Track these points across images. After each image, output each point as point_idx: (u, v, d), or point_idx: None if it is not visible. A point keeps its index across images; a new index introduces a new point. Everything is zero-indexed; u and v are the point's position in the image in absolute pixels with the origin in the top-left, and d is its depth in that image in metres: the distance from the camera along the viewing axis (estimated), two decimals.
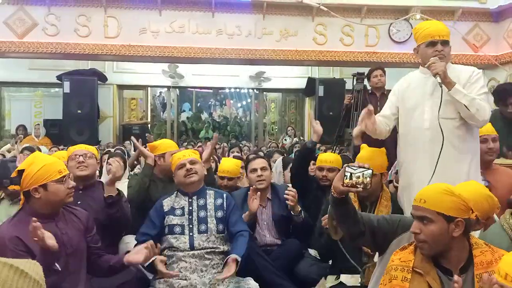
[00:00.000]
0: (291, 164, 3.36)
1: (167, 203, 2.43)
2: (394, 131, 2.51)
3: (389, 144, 2.78)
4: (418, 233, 1.50)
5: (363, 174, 1.64)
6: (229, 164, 3.19)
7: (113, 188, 2.39)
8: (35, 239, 1.70)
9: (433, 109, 2.22)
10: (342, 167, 1.72)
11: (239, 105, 13.46)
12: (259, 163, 2.90)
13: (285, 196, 2.69)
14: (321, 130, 2.97)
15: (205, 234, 2.33)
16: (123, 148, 5.20)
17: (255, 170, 2.88)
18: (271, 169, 3.08)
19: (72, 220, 2.02)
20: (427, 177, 2.12)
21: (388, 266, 1.57)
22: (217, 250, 2.33)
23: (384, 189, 2.43)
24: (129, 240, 2.69)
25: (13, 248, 1.77)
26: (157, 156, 2.99)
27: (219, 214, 2.40)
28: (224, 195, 2.49)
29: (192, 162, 2.43)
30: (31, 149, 4.43)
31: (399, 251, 1.59)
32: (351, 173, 1.65)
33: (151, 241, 2.08)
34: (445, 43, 2.26)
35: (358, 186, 1.64)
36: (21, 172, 1.90)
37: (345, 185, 1.64)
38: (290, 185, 3.01)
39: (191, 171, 2.39)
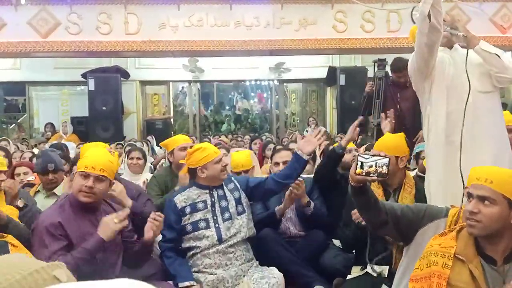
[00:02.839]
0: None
1: (180, 200, 2.39)
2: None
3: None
4: (476, 213, 1.45)
5: (376, 163, 1.57)
6: (240, 157, 3.18)
7: (127, 202, 2.41)
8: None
9: (472, 82, 2.05)
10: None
11: (267, 97, 13.42)
12: (282, 156, 2.87)
13: (291, 185, 2.64)
14: (355, 137, 2.89)
15: (230, 221, 2.36)
16: (135, 142, 5.28)
17: (277, 163, 2.86)
18: None
19: (111, 213, 2.09)
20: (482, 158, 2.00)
21: (426, 251, 1.53)
22: (240, 236, 2.35)
23: (407, 176, 2.37)
24: None
25: (53, 231, 1.88)
26: (168, 153, 3.04)
27: (236, 195, 2.44)
28: (232, 178, 2.55)
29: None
30: (58, 146, 4.56)
31: (438, 236, 1.55)
32: (362, 162, 1.58)
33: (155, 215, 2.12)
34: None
35: (372, 175, 1.58)
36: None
37: (357, 174, 1.59)
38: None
39: (225, 168, 2.44)
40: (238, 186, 2.47)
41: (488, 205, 1.44)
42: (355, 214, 2.19)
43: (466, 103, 1.99)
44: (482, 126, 2.10)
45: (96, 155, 2.09)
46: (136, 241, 2.18)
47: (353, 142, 4.15)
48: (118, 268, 2.07)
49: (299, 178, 2.68)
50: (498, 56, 1.99)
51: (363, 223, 2.09)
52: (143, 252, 2.15)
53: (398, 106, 3.82)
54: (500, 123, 2.16)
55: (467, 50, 2.04)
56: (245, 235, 2.37)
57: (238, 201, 2.42)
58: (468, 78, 1.97)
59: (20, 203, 2.41)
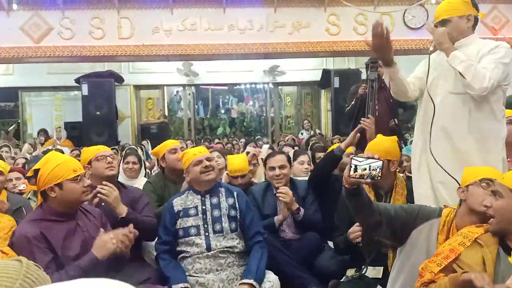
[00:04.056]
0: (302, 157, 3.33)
1: (177, 203, 2.37)
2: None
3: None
4: (489, 207, 1.52)
5: (370, 166, 1.58)
6: (237, 162, 3.09)
7: (119, 209, 2.29)
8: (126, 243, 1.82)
9: (445, 83, 2.13)
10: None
11: (255, 100, 13.45)
12: (277, 160, 2.83)
13: (277, 194, 2.64)
14: (355, 143, 2.86)
15: (221, 234, 2.29)
16: (134, 147, 5.26)
17: (273, 168, 2.83)
18: (291, 164, 3.02)
19: (89, 218, 2.04)
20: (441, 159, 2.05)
21: (457, 233, 1.61)
22: (233, 250, 2.31)
23: (398, 177, 2.36)
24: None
25: (38, 245, 1.80)
26: (160, 159, 3.02)
27: (232, 213, 2.35)
28: (235, 193, 2.43)
29: (209, 159, 2.39)
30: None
31: (474, 226, 1.62)
32: (356, 166, 1.60)
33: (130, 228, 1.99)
34: (443, 22, 2.15)
35: (366, 177, 1.59)
36: (37, 171, 1.91)
37: (351, 176, 1.60)
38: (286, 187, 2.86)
39: (209, 168, 2.34)
40: (237, 205, 2.38)
41: (498, 198, 1.51)
42: (353, 234, 2.20)
43: (434, 110, 2.06)
44: (446, 128, 2.13)
45: (67, 158, 2.03)
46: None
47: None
48: (104, 273, 2.03)
49: (284, 187, 2.67)
50: (461, 73, 2.00)
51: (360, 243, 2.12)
52: (118, 258, 2.04)
53: (376, 108, 3.83)
54: (471, 125, 2.10)
55: (429, 57, 2.14)
56: (239, 251, 2.32)
57: (233, 219, 2.34)
58: (428, 92, 2.08)
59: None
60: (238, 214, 2.36)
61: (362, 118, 3.15)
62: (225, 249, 2.29)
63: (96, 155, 2.51)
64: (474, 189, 1.67)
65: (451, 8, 2.15)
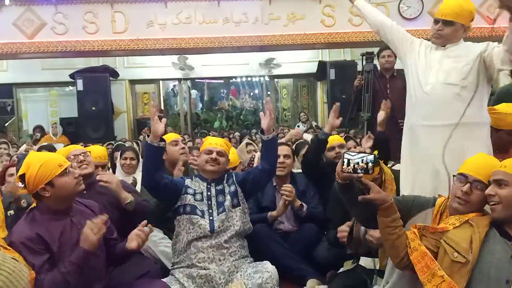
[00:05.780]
0: (301, 152, 3.33)
1: (187, 182, 2.48)
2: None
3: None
4: (493, 195, 1.57)
5: (362, 160, 1.58)
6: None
7: (123, 195, 2.33)
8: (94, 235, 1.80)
9: (438, 74, 2.21)
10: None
11: (251, 93, 13.40)
12: (282, 149, 2.89)
13: (281, 193, 2.69)
14: (337, 124, 2.90)
15: (223, 213, 2.38)
16: (128, 142, 5.25)
17: (278, 156, 2.87)
18: (294, 157, 3.06)
19: (86, 213, 2.01)
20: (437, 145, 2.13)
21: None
22: (234, 230, 2.36)
23: (386, 172, 2.33)
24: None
25: (32, 246, 1.78)
26: None
27: (232, 188, 2.46)
28: (233, 173, 2.58)
29: (220, 154, 2.47)
30: (48, 148, 4.51)
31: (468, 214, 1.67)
32: (348, 160, 1.59)
33: (144, 224, 2.03)
34: (447, 23, 2.21)
35: (359, 172, 1.59)
36: (23, 176, 1.88)
37: (343, 171, 1.60)
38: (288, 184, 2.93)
39: (215, 161, 2.45)
40: (235, 179, 2.50)
41: (503, 187, 1.56)
42: (340, 233, 2.22)
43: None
44: (434, 115, 2.20)
45: (49, 155, 1.99)
46: (117, 238, 2.11)
47: (345, 134, 4.17)
48: (103, 270, 2.02)
49: (288, 184, 2.71)
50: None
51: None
52: (125, 256, 2.07)
53: (388, 98, 3.83)
54: (454, 115, 2.16)
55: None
56: (239, 229, 2.38)
57: (233, 194, 2.44)
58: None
59: (23, 203, 2.38)
60: (238, 187, 2.46)
61: (383, 102, 3.21)
62: (228, 235, 2.34)
63: (67, 156, 2.46)
64: (454, 182, 1.71)
65: (460, 14, 2.21)
